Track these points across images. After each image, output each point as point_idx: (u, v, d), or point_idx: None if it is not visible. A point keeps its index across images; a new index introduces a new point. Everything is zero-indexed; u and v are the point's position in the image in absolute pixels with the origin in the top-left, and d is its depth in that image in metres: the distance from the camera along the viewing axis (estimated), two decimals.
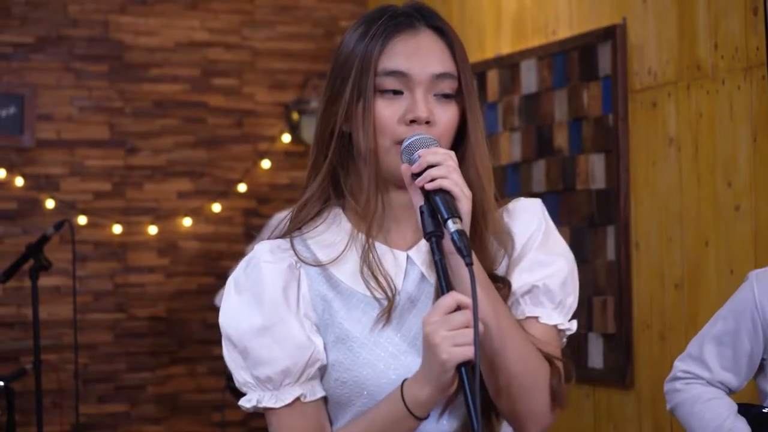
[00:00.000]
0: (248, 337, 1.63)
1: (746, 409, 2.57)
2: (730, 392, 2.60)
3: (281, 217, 1.75)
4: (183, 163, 5.32)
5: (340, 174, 1.68)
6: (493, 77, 4.47)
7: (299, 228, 1.69)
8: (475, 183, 1.62)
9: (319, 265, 1.66)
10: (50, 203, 5.08)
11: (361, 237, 1.66)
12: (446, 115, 1.64)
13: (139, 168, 5.26)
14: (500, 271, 1.68)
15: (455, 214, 1.52)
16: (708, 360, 2.57)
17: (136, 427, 5.19)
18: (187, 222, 5.28)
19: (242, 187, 5.38)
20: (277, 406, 1.62)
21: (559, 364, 1.65)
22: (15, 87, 5.04)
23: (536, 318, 1.67)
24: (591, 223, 3.97)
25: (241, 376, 1.64)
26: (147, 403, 5.20)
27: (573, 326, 1.71)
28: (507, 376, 1.60)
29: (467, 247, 1.48)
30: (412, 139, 1.60)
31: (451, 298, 1.49)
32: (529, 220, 1.71)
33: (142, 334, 5.22)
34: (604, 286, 3.90)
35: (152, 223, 5.24)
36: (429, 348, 1.48)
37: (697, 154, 3.55)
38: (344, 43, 1.68)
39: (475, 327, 1.44)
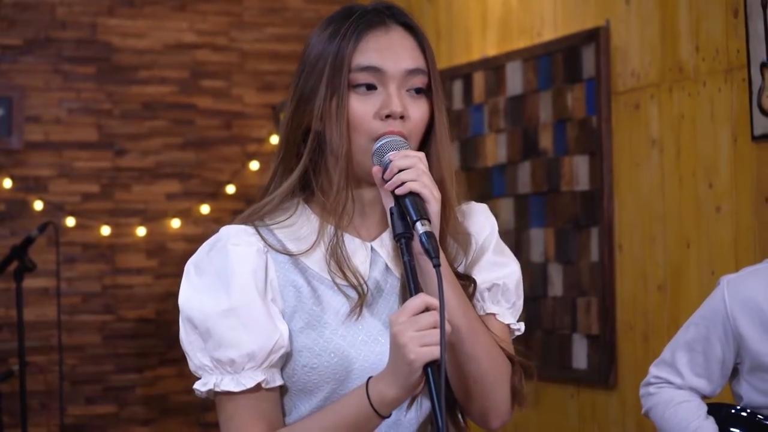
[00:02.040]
0: (213, 318, 1.62)
1: (716, 409, 2.59)
2: (704, 398, 2.62)
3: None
4: (171, 164, 5.33)
5: (310, 172, 1.69)
6: (479, 79, 4.49)
7: (261, 218, 1.69)
8: (439, 183, 1.63)
9: (287, 253, 1.67)
10: (38, 205, 5.09)
11: (329, 229, 1.68)
12: (419, 111, 1.66)
13: (127, 170, 5.27)
14: (459, 270, 1.71)
15: (424, 216, 1.55)
16: (680, 366, 2.59)
17: (125, 429, 5.19)
18: (175, 223, 5.29)
19: (231, 189, 5.39)
20: (236, 390, 1.61)
21: (522, 362, 1.69)
22: (3, 89, 5.05)
23: (494, 315, 1.72)
24: (575, 224, 3.99)
25: (198, 359, 1.63)
26: (135, 405, 5.21)
27: (521, 328, 1.76)
28: (474, 374, 1.63)
29: (435, 249, 1.51)
30: (383, 141, 1.62)
31: (419, 300, 1.51)
32: (483, 222, 1.76)
33: (130, 335, 5.23)
34: (588, 287, 3.92)
35: (141, 225, 5.25)
36: (396, 348, 1.50)
37: (679, 156, 3.58)
38: (312, 43, 1.70)
39: (442, 327, 1.46)
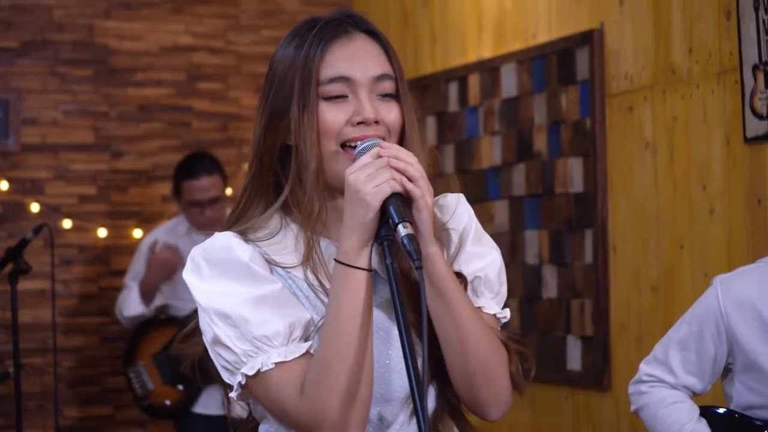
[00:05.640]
0: (246, 304, 1.62)
1: (707, 412, 2.60)
2: (695, 395, 2.63)
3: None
4: (168, 167, 5.32)
5: (285, 186, 1.70)
6: (474, 81, 4.50)
7: (244, 233, 1.70)
8: None
9: (276, 264, 1.69)
10: (35, 207, 5.09)
11: (309, 237, 1.69)
12: (392, 114, 1.69)
13: (123, 172, 5.28)
14: None
15: (405, 218, 1.56)
16: (673, 364, 2.60)
17: (121, 431, 5.20)
18: None
19: (227, 191, 5.39)
20: (288, 359, 1.60)
21: (518, 350, 1.71)
22: (0, 91, 5.06)
23: (480, 308, 1.72)
24: (569, 226, 4.00)
25: (238, 348, 1.62)
26: (131, 407, 5.20)
27: (507, 314, 1.77)
28: (475, 365, 1.65)
29: (417, 251, 1.52)
30: (364, 145, 1.63)
31: (373, 151, 1.59)
32: (460, 213, 1.77)
33: (126, 337, 5.23)
34: (582, 288, 3.93)
35: (137, 227, 5.25)
36: (353, 196, 1.57)
37: (673, 158, 3.58)
38: (278, 58, 1.71)
39: (424, 330, 1.48)
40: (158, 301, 4.67)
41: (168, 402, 4.58)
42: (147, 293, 4.63)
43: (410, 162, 1.59)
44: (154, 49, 5.33)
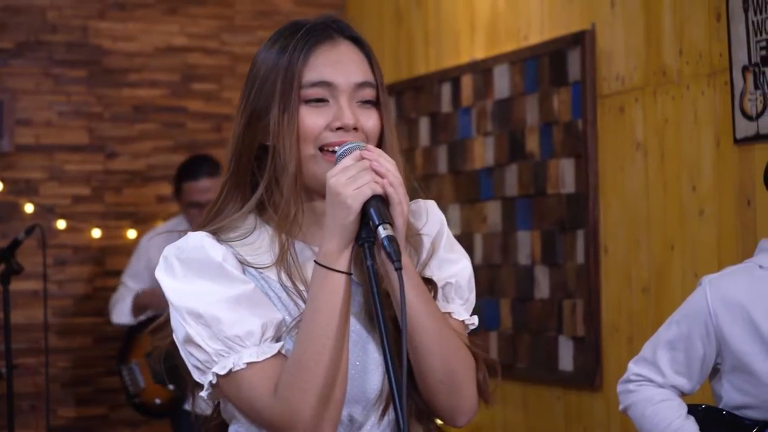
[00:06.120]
0: (219, 303, 1.62)
1: (695, 409, 2.61)
2: (683, 395, 2.64)
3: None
4: (162, 167, 5.34)
5: (261, 187, 1.70)
6: (467, 82, 4.51)
7: (216, 234, 1.71)
8: None
9: (250, 266, 1.69)
10: (29, 207, 5.10)
11: (284, 239, 1.70)
12: (371, 121, 1.70)
13: (118, 172, 5.29)
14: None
15: (386, 220, 1.57)
16: (661, 364, 2.61)
17: (114, 431, 5.21)
18: None
19: None
20: (260, 359, 1.61)
21: (486, 359, 1.73)
22: None
23: (449, 314, 1.74)
24: (561, 227, 4.01)
25: (210, 348, 1.62)
26: (126, 407, 5.21)
27: (475, 321, 1.78)
28: (443, 372, 1.66)
29: (397, 252, 1.53)
30: (345, 147, 1.64)
31: (354, 154, 1.60)
32: (433, 220, 1.79)
33: (120, 338, 5.23)
34: (574, 289, 3.94)
35: (131, 228, 5.26)
36: (334, 198, 1.58)
37: (663, 159, 3.59)
38: (261, 59, 1.72)
39: (403, 330, 1.49)
40: (148, 314, 4.70)
41: (158, 401, 4.61)
42: (138, 308, 4.67)
43: (390, 169, 1.60)
44: (148, 49, 5.33)
